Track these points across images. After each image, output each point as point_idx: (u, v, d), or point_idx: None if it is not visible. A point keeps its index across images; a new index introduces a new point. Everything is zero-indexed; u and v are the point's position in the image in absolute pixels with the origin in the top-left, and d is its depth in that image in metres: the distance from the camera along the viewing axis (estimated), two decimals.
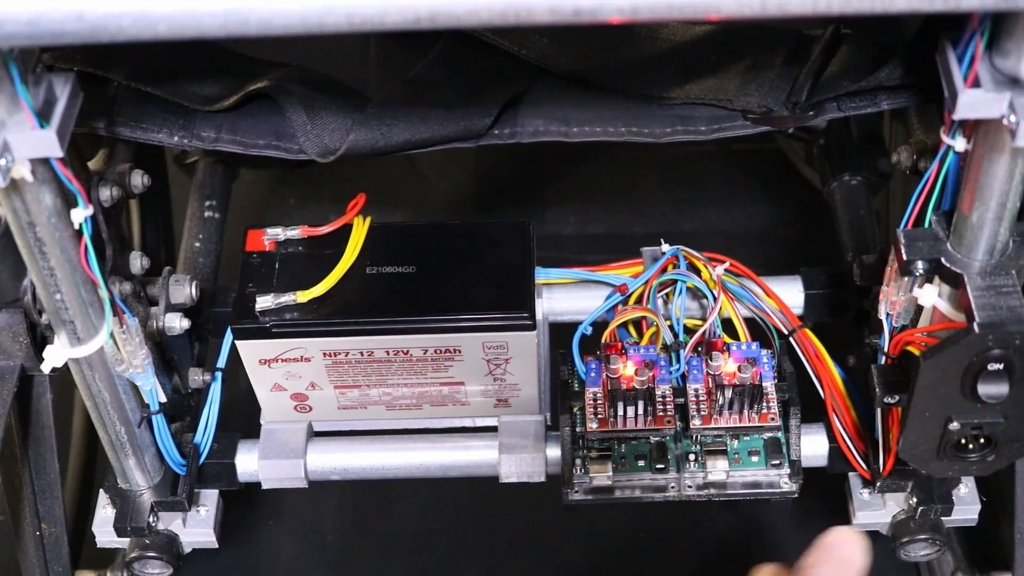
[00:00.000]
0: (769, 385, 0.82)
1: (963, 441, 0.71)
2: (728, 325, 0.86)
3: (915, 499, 0.85)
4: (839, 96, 0.78)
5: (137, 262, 0.82)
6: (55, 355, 0.71)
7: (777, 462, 0.82)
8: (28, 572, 0.88)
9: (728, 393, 0.80)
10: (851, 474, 0.88)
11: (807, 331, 0.85)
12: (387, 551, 1.14)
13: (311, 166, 0.86)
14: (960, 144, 0.64)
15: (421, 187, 1.40)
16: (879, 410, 0.81)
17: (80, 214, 0.63)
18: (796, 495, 0.83)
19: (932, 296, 0.70)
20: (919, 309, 0.74)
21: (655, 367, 0.81)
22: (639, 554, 1.13)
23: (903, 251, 0.68)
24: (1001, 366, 0.65)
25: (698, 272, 0.87)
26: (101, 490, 0.87)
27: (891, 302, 0.74)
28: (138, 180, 0.82)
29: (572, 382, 0.85)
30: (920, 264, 0.68)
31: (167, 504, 0.85)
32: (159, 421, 0.82)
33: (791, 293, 0.89)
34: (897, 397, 0.75)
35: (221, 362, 0.85)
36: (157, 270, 0.85)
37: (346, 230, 0.83)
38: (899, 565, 0.99)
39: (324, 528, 1.16)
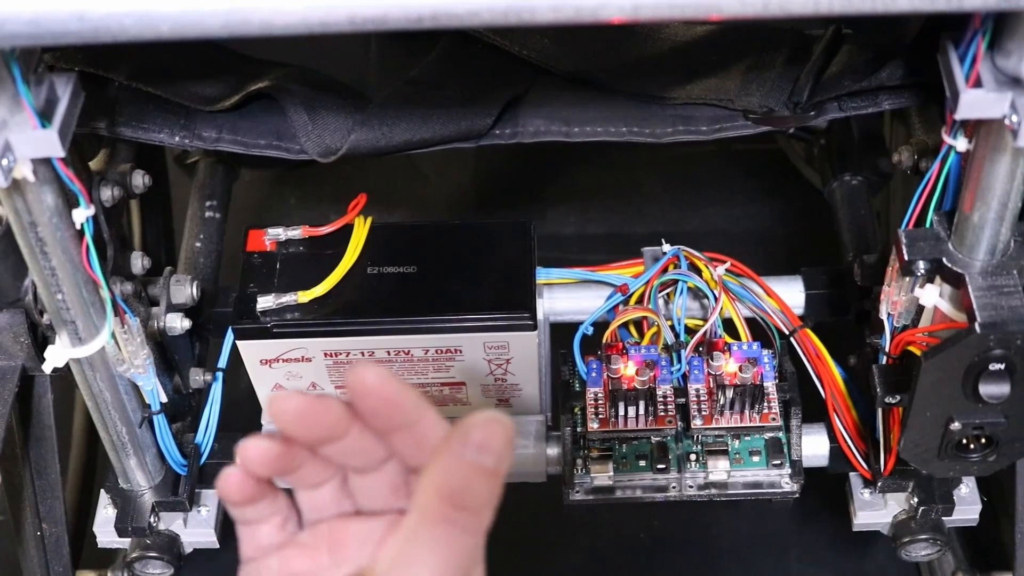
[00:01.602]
0: (770, 385, 0.82)
1: (964, 441, 0.71)
2: (729, 325, 0.86)
3: (916, 499, 0.85)
4: (840, 96, 0.78)
5: (138, 262, 0.82)
6: (56, 355, 0.71)
7: (778, 462, 0.82)
8: (29, 572, 0.88)
9: (729, 393, 0.80)
10: (852, 474, 0.88)
11: (808, 331, 0.86)
12: None
13: (312, 166, 0.86)
14: (961, 144, 0.64)
15: (421, 187, 1.40)
16: (880, 410, 0.81)
17: (82, 214, 0.63)
18: (797, 495, 0.83)
19: (933, 296, 0.70)
20: (920, 309, 0.74)
21: (656, 367, 0.81)
22: (639, 554, 1.13)
23: (904, 251, 0.68)
24: (1002, 366, 0.65)
25: (699, 272, 0.87)
26: (102, 490, 0.87)
27: (892, 302, 0.74)
28: (139, 180, 0.82)
29: (573, 382, 0.85)
30: (921, 264, 0.68)
31: (168, 504, 0.85)
32: (160, 421, 0.82)
33: (792, 293, 0.89)
34: (898, 397, 0.75)
35: (222, 362, 0.85)
36: (158, 270, 0.85)
37: (347, 230, 0.83)
38: (900, 565, 0.99)
39: None
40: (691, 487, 0.83)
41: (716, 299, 0.85)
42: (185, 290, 0.83)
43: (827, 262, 0.93)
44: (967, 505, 0.86)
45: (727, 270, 0.87)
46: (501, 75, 0.82)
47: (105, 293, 0.69)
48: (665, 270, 0.87)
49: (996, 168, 0.62)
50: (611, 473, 0.82)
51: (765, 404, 0.81)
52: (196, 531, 0.88)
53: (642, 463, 0.82)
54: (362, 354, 0.81)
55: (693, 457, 0.82)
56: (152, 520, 0.85)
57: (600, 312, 0.87)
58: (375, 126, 0.78)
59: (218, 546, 0.90)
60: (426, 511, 0.42)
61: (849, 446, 0.85)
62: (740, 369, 0.80)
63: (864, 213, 0.99)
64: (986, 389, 0.66)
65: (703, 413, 0.81)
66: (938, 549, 0.88)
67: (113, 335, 0.71)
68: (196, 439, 0.86)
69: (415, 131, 0.79)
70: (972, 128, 0.63)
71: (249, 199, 1.37)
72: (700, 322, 0.86)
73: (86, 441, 1.08)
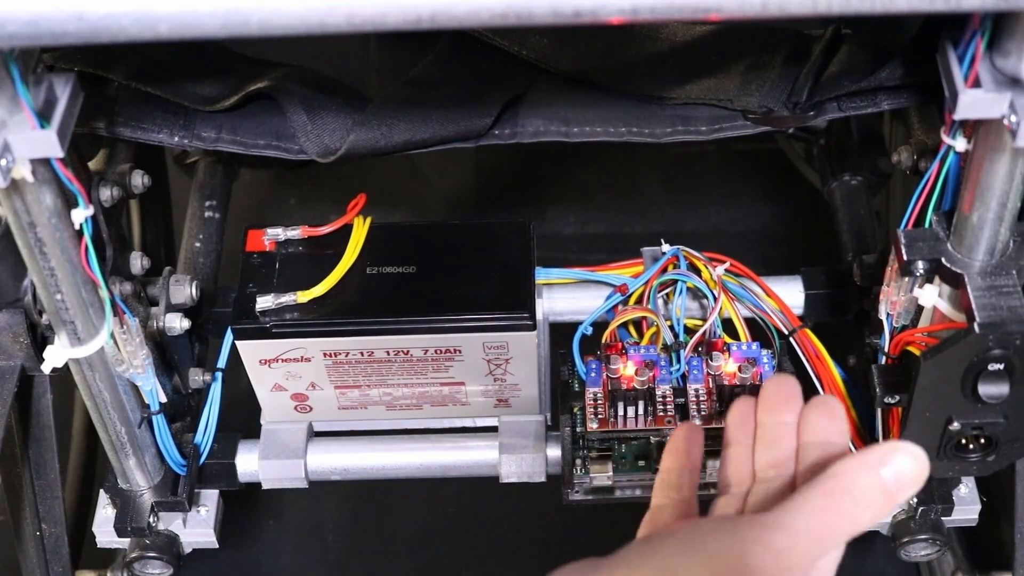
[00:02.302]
0: None
1: (963, 441, 0.71)
2: (728, 325, 0.86)
3: (915, 499, 0.85)
4: (839, 96, 0.78)
5: (137, 262, 0.82)
6: (56, 355, 0.71)
7: None
8: (28, 572, 0.88)
9: (728, 393, 0.80)
10: None
11: (807, 331, 0.85)
12: (387, 551, 1.14)
13: (311, 166, 0.86)
14: (960, 144, 0.64)
15: (421, 187, 1.40)
16: (879, 410, 0.81)
17: (81, 214, 0.63)
18: None
19: (932, 296, 0.70)
20: (919, 309, 0.74)
21: (655, 367, 0.81)
22: None
23: (903, 251, 0.68)
24: (1001, 366, 0.65)
25: (698, 272, 0.87)
26: (101, 490, 0.87)
27: (891, 302, 0.74)
28: (138, 180, 0.82)
29: (572, 382, 0.85)
30: (920, 264, 0.68)
31: (167, 504, 0.85)
32: (159, 421, 0.82)
33: (791, 293, 0.89)
34: (897, 397, 0.75)
35: (221, 362, 0.85)
36: (157, 270, 0.85)
37: (346, 230, 0.83)
38: (899, 565, 0.99)
39: (324, 528, 1.16)
40: None
41: (715, 299, 0.85)
42: (184, 290, 0.83)
43: (827, 262, 0.93)
44: (966, 505, 0.86)
45: (726, 270, 0.87)
46: (500, 75, 0.82)
47: (104, 293, 0.69)
48: (664, 270, 0.87)
49: (995, 168, 0.62)
50: (610, 473, 0.82)
51: None
52: (195, 531, 0.88)
53: (641, 463, 0.82)
54: (361, 354, 0.81)
55: None
56: (151, 520, 0.85)
57: (599, 312, 0.87)
58: (374, 126, 0.78)
59: (217, 546, 0.90)
60: (818, 488, 0.50)
61: (848, 446, 0.85)
62: (739, 369, 0.80)
63: (864, 213, 0.99)
64: (985, 389, 0.66)
65: (702, 413, 0.81)
66: (937, 549, 0.87)
67: (112, 335, 0.71)
68: (195, 439, 0.86)
69: (414, 131, 0.79)
70: (971, 128, 0.63)
71: (249, 199, 1.37)
72: (699, 322, 0.86)
73: (86, 441, 1.08)
